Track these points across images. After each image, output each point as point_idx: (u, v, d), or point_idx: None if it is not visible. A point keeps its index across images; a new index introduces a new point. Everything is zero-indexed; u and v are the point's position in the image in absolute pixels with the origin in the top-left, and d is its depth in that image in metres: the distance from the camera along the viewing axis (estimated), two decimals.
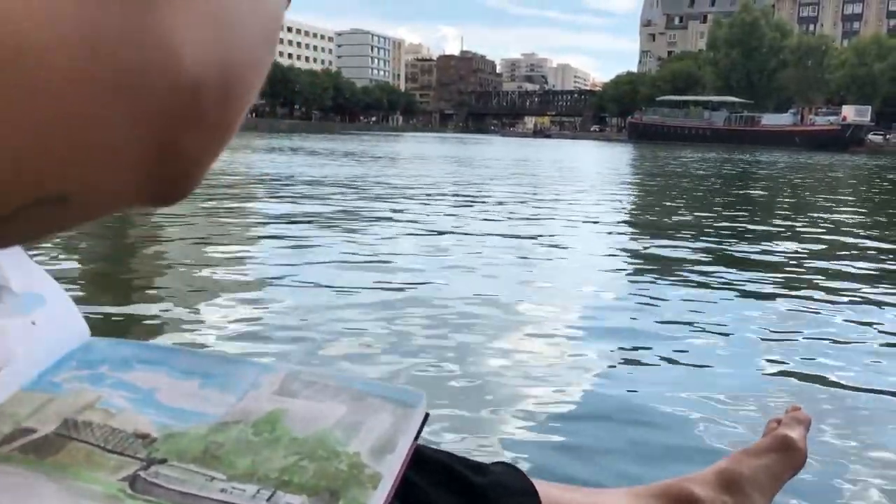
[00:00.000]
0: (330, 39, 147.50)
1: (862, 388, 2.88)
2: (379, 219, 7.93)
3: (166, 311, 3.80)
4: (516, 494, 0.81)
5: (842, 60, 77.82)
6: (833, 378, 2.99)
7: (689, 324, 3.79)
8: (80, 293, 4.05)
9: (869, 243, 7.18)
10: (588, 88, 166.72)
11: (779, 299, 4.44)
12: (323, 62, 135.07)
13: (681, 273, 5.19)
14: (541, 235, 7.10)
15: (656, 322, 3.80)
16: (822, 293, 4.64)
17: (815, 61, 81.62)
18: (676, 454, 2.24)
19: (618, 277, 5.14)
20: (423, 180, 14.44)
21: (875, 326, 3.86)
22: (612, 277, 5.13)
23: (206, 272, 4.83)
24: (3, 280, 0.60)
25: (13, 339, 0.58)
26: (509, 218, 8.41)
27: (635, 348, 3.34)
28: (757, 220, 9.25)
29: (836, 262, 5.91)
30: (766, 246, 6.72)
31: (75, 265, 5.07)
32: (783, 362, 3.18)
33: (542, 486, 0.85)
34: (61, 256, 5.22)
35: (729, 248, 6.54)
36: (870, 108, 67.75)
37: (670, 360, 3.17)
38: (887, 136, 70.60)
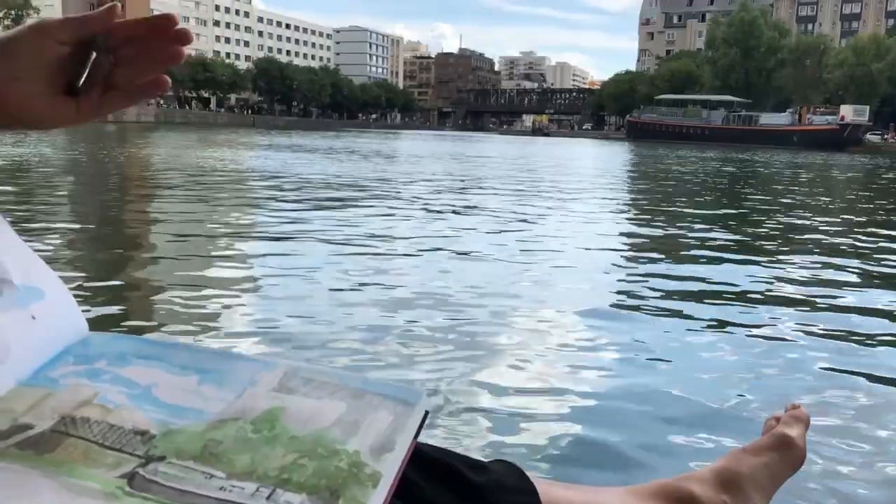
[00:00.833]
0: (328, 37, 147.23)
1: (862, 386, 2.88)
2: (378, 216, 7.92)
3: (164, 305, 3.80)
4: (516, 493, 0.81)
5: (840, 60, 77.78)
6: (833, 376, 3.00)
7: (688, 323, 3.80)
8: (78, 286, 4.04)
9: (866, 241, 7.19)
10: (586, 87, 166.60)
11: (778, 299, 4.44)
12: (321, 59, 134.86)
13: (680, 273, 5.20)
14: (541, 235, 7.10)
15: (655, 322, 3.81)
16: (822, 292, 4.65)
17: (814, 61, 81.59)
18: (675, 453, 2.25)
19: (616, 278, 5.14)
20: (422, 177, 14.42)
21: (875, 323, 3.86)
22: (611, 278, 5.13)
23: (205, 268, 4.83)
24: (3, 272, 0.60)
25: (11, 334, 0.58)
26: (510, 216, 8.41)
27: (634, 348, 3.34)
28: (755, 219, 9.26)
29: (834, 261, 5.91)
30: (764, 245, 6.72)
31: (73, 259, 5.06)
32: (782, 361, 3.18)
33: (541, 485, 0.85)
34: (61, 250, 5.22)
35: (728, 247, 6.54)
36: (868, 107, 67.75)
37: (669, 361, 3.17)
38: (885, 136, 70.64)
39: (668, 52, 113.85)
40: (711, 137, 69.59)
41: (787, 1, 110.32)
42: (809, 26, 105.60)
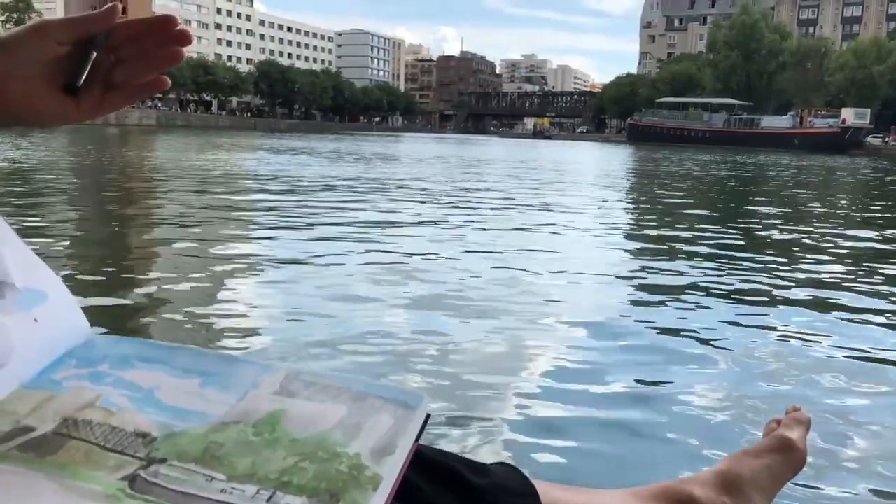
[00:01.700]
0: (329, 39, 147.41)
1: (862, 390, 2.89)
2: (380, 219, 7.94)
3: (166, 307, 3.81)
4: (517, 495, 0.81)
5: (841, 63, 77.81)
6: (836, 378, 3.00)
7: (690, 325, 3.80)
8: (81, 289, 4.05)
9: (868, 245, 7.19)
10: (588, 90, 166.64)
11: (778, 302, 4.45)
12: (322, 62, 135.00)
13: (681, 275, 5.20)
14: (543, 239, 7.10)
15: (656, 324, 3.81)
16: (824, 296, 4.65)
17: (815, 64, 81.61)
18: (676, 455, 2.25)
19: (617, 281, 5.14)
20: (424, 180, 14.43)
21: (874, 328, 3.87)
22: (612, 281, 5.13)
23: (207, 271, 4.84)
24: (5, 275, 0.60)
25: (14, 336, 0.58)
26: (513, 218, 8.42)
27: (635, 350, 3.35)
28: (757, 222, 9.25)
29: (835, 265, 5.92)
30: (765, 248, 6.73)
31: (76, 261, 5.08)
32: (783, 363, 3.19)
33: (542, 487, 0.85)
34: (63, 252, 5.23)
35: (729, 251, 6.54)
36: (869, 110, 67.77)
37: (670, 362, 3.17)
38: (886, 139, 70.61)
39: (669, 54, 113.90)
40: (713, 140, 69.61)
41: (789, 4, 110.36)
42: (811, 29, 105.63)
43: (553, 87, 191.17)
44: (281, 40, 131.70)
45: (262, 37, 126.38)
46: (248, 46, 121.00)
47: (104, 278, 4.56)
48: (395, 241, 6.41)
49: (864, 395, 2.84)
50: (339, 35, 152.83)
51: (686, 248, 6.57)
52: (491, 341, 3.38)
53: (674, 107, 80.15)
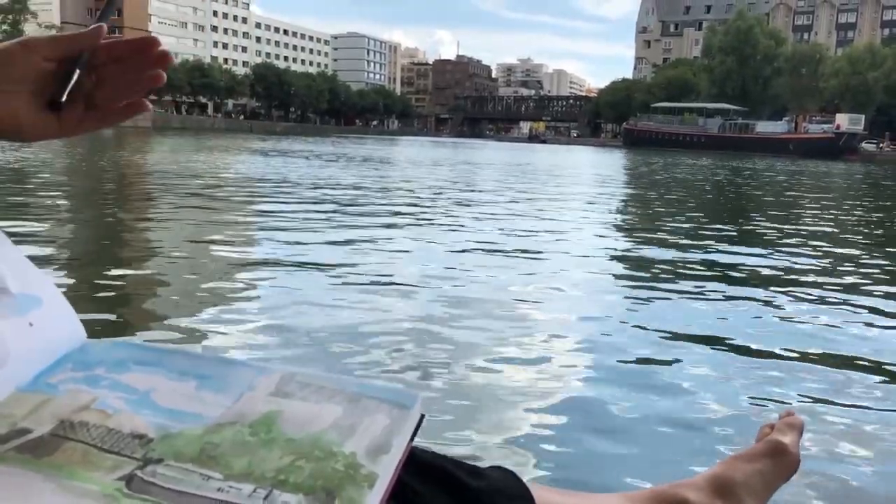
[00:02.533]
0: (326, 42, 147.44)
1: (855, 393, 2.90)
2: (377, 222, 7.93)
3: (162, 311, 3.80)
4: (512, 498, 0.81)
5: (836, 69, 78.09)
6: (830, 384, 3.01)
7: (683, 330, 3.81)
8: (75, 294, 4.04)
9: (861, 249, 7.21)
10: (583, 94, 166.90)
11: (771, 306, 4.46)
12: (319, 65, 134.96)
13: (674, 279, 5.21)
14: (540, 241, 7.11)
15: (650, 329, 3.81)
16: (815, 298, 4.67)
17: (810, 70, 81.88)
18: (670, 459, 2.26)
19: (612, 286, 5.15)
20: (421, 183, 14.43)
21: (868, 329, 3.88)
22: (607, 286, 5.14)
23: (203, 274, 4.83)
24: (0, 280, 0.61)
25: (9, 341, 0.58)
26: (509, 222, 8.42)
27: (629, 354, 3.35)
28: (750, 226, 9.28)
29: (827, 267, 5.94)
30: (758, 251, 6.74)
31: (71, 267, 5.07)
32: (776, 368, 3.20)
33: (537, 490, 0.85)
34: (56, 256, 5.22)
35: (723, 254, 6.55)
36: (863, 117, 68.01)
37: (665, 368, 3.18)
38: (880, 145, 70.87)
39: (664, 59, 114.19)
40: (708, 145, 69.83)
41: (784, 10, 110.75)
42: (805, 35, 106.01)
43: (549, 92, 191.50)
44: (277, 43, 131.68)
45: (258, 39, 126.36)
46: (244, 49, 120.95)
47: (99, 283, 4.54)
48: (391, 241, 6.41)
49: (857, 399, 2.85)
50: (336, 38, 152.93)
51: (681, 253, 6.59)
52: (486, 342, 3.38)
53: (669, 111, 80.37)
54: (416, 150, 40.89)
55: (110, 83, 0.68)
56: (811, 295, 4.84)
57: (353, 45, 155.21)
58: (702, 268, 5.75)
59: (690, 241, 7.41)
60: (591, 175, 22.61)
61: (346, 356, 3.13)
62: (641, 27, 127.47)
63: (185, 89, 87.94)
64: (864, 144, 67.89)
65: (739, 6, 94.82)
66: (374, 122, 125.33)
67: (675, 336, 3.67)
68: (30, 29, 68.52)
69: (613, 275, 5.46)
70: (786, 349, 3.51)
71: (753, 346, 3.53)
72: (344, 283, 4.64)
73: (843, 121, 66.58)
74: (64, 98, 0.65)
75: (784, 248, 7.13)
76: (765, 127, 72.85)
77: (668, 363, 3.22)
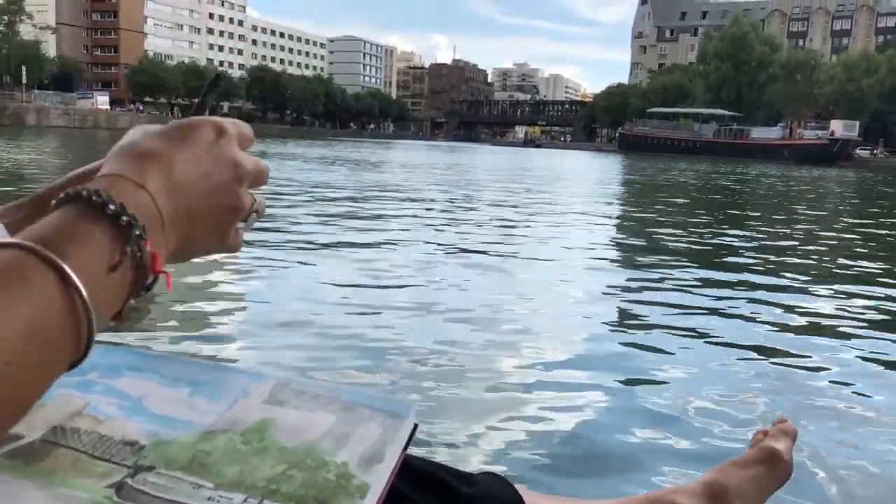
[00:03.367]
0: (322, 46, 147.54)
1: (849, 399, 2.90)
2: (372, 226, 7.93)
3: (156, 316, 3.79)
4: None
5: (830, 76, 78.40)
6: (823, 390, 3.01)
7: (678, 337, 3.81)
8: None
9: (855, 254, 7.23)
10: (579, 99, 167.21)
11: (770, 313, 4.46)
12: (315, 68, 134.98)
13: (673, 287, 5.21)
14: (536, 248, 7.11)
15: (646, 336, 3.81)
16: (810, 303, 4.67)
17: (804, 76, 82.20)
18: (664, 466, 2.25)
19: (604, 291, 5.15)
20: (416, 187, 14.43)
21: (862, 335, 3.88)
22: (600, 291, 5.14)
23: (198, 278, 4.82)
24: None
25: None
26: (504, 227, 8.42)
27: (621, 361, 3.35)
28: (744, 231, 9.29)
29: (821, 271, 5.95)
30: (752, 256, 6.75)
31: None
32: (771, 375, 3.20)
33: (529, 497, 0.85)
34: None
35: (716, 259, 6.56)
36: (857, 123, 68.27)
37: (659, 374, 3.18)
38: (874, 151, 71.15)
39: (660, 65, 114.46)
40: (703, 150, 69.99)
41: (779, 16, 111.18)
42: (800, 41, 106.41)
43: (545, 96, 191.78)
44: (273, 46, 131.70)
45: (254, 42, 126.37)
46: (240, 52, 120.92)
47: None
48: (387, 251, 6.40)
49: (852, 404, 2.85)
50: (332, 41, 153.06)
51: (675, 258, 6.59)
52: (480, 351, 3.38)
53: (664, 117, 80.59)
54: (410, 154, 40.89)
55: None
56: (806, 300, 4.85)
57: (349, 48, 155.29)
58: (695, 272, 5.76)
59: (686, 248, 7.42)
60: (586, 180, 22.64)
61: (338, 363, 3.12)
62: (637, 32, 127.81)
63: (181, 91, 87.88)
64: (858, 151, 68.13)
65: (735, 12, 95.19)
66: (372, 126, 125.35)
67: (670, 342, 3.67)
68: (25, 30, 68.36)
69: (606, 280, 5.45)
70: (780, 355, 3.51)
71: (747, 353, 3.53)
72: (338, 289, 4.63)
73: (837, 127, 66.81)
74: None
75: (778, 252, 7.14)
76: (759, 133, 73.11)
77: (662, 369, 3.22)
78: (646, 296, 4.83)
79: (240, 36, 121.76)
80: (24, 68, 64.49)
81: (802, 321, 4.26)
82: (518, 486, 0.83)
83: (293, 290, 4.51)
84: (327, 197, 11.41)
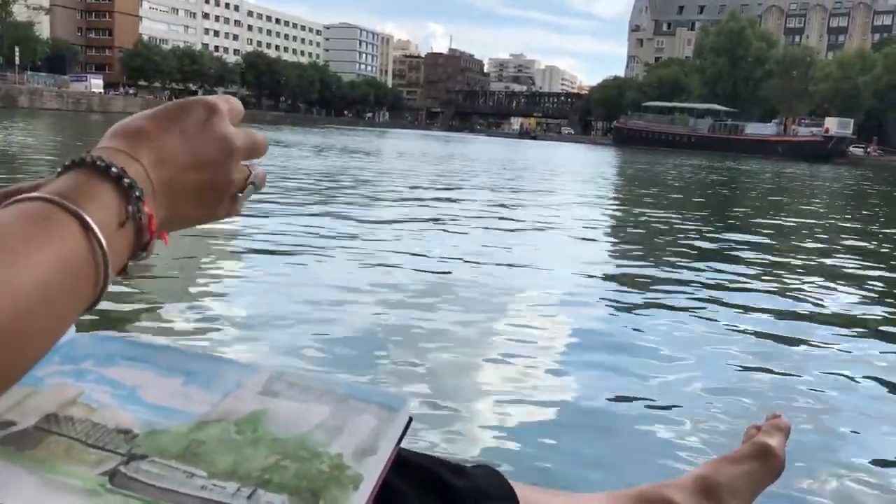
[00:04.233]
0: (318, 33, 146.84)
1: (842, 394, 2.91)
2: (367, 215, 7.91)
3: (151, 307, 3.77)
4: (496, 498, 0.82)
5: (826, 73, 78.49)
6: (813, 385, 3.02)
7: (673, 330, 3.81)
8: None
9: (847, 249, 7.25)
10: (575, 91, 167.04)
11: (760, 307, 4.46)
12: (310, 55, 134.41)
13: (668, 279, 5.22)
14: (531, 238, 7.10)
15: (639, 328, 3.82)
16: (802, 297, 4.68)
17: (800, 73, 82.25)
18: (657, 459, 2.25)
19: (599, 284, 5.15)
20: (411, 177, 14.41)
21: (855, 331, 3.89)
22: (594, 284, 5.14)
23: (193, 269, 4.80)
24: None
25: None
26: (499, 218, 8.41)
27: (617, 353, 3.35)
28: (737, 224, 9.31)
29: (812, 266, 5.96)
30: (744, 251, 6.76)
31: None
32: (763, 370, 3.20)
33: (522, 490, 0.86)
34: None
35: (709, 254, 6.57)
36: (852, 121, 68.41)
37: (651, 367, 3.18)
38: (868, 149, 71.34)
39: (657, 59, 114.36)
40: (697, 145, 70.06)
41: (776, 12, 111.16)
42: (797, 38, 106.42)
43: (540, 88, 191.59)
44: (269, 32, 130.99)
45: (249, 28, 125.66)
46: (235, 37, 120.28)
47: None
48: (380, 238, 6.39)
49: (844, 400, 2.86)
50: (328, 28, 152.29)
51: (667, 251, 6.59)
52: (474, 343, 3.37)
53: (660, 111, 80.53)
54: (406, 143, 40.79)
55: None
56: (801, 294, 4.86)
57: (345, 35, 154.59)
58: (688, 266, 5.76)
59: (679, 242, 7.43)
60: (583, 173, 22.63)
61: (333, 355, 3.11)
62: (634, 25, 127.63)
63: (175, 76, 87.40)
64: (852, 148, 68.31)
65: (732, 7, 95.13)
66: (369, 115, 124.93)
67: (663, 336, 3.67)
68: (18, 10, 67.78)
69: (600, 273, 5.46)
70: (774, 352, 3.52)
71: (741, 348, 3.54)
72: (337, 280, 4.62)
73: (832, 124, 66.98)
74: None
75: (771, 248, 7.16)
76: (754, 129, 73.16)
77: (655, 364, 3.22)
78: (641, 289, 4.83)
79: (235, 21, 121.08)
80: (16, 49, 63.95)
81: (796, 317, 4.27)
82: (512, 480, 0.84)
83: (288, 283, 4.50)
84: (323, 184, 11.38)
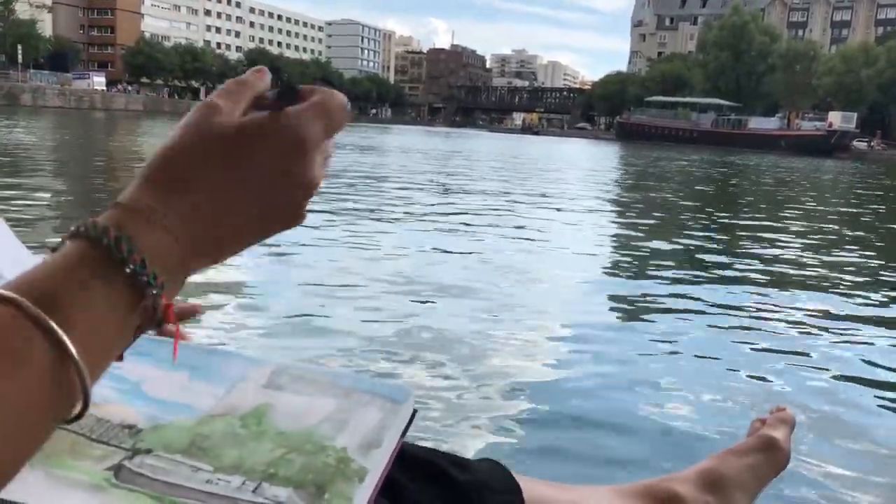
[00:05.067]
0: (320, 29, 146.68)
1: (847, 388, 2.91)
2: (371, 211, 7.91)
3: None
4: (500, 492, 0.82)
5: (829, 67, 78.21)
6: (816, 379, 3.02)
7: (677, 325, 3.81)
8: None
9: (851, 246, 7.24)
10: (577, 87, 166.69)
11: (765, 301, 4.47)
12: (312, 52, 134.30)
13: (673, 276, 5.22)
14: (536, 237, 7.10)
15: (643, 322, 3.82)
16: (805, 294, 4.68)
17: (803, 67, 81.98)
18: (661, 452, 2.25)
19: (605, 279, 5.15)
20: (415, 173, 14.40)
21: (857, 326, 3.89)
22: (597, 275, 5.14)
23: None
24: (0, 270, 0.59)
25: None
26: (504, 215, 8.41)
27: (621, 346, 3.35)
28: (739, 220, 9.29)
29: (816, 263, 5.95)
30: (748, 246, 6.75)
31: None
32: (769, 363, 3.20)
33: (526, 483, 0.86)
34: (43, 238, 5.17)
35: (712, 250, 6.56)
36: (855, 115, 68.20)
37: (656, 361, 3.18)
38: (871, 143, 71.12)
39: (659, 53, 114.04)
40: (700, 140, 69.89)
41: (779, 6, 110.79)
42: (800, 32, 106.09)
43: (543, 83, 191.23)
44: (271, 28, 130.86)
45: (251, 24, 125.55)
46: (237, 34, 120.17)
47: None
48: (383, 232, 6.39)
49: (847, 392, 2.86)
50: (330, 25, 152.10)
51: (671, 248, 6.59)
52: (479, 338, 3.38)
53: (663, 106, 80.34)
54: (409, 139, 40.75)
55: None
56: (805, 292, 4.86)
57: (347, 32, 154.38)
58: (692, 260, 5.76)
59: (684, 237, 7.42)
60: (585, 169, 22.61)
61: (338, 348, 3.11)
62: (637, 20, 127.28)
63: (177, 73, 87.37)
64: (855, 142, 68.09)
65: (735, 1, 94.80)
66: (374, 111, 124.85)
67: (666, 332, 3.67)
68: (21, 9, 67.82)
69: (606, 268, 5.46)
70: (783, 345, 3.51)
71: (745, 341, 3.54)
72: (340, 273, 4.62)
73: (835, 118, 66.79)
74: None
75: (775, 243, 7.15)
76: (757, 123, 73.00)
77: (661, 357, 3.22)
78: (645, 284, 4.83)
79: (237, 18, 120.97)
80: (19, 47, 63.98)
81: (802, 311, 4.27)
82: (515, 473, 0.84)
83: (291, 278, 4.50)
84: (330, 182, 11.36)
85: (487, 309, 3.90)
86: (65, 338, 0.35)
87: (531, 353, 3.19)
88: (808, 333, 3.76)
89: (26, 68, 65.72)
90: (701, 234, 7.74)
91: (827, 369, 3.17)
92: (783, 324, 3.95)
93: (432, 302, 3.96)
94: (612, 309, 4.14)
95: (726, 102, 76.49)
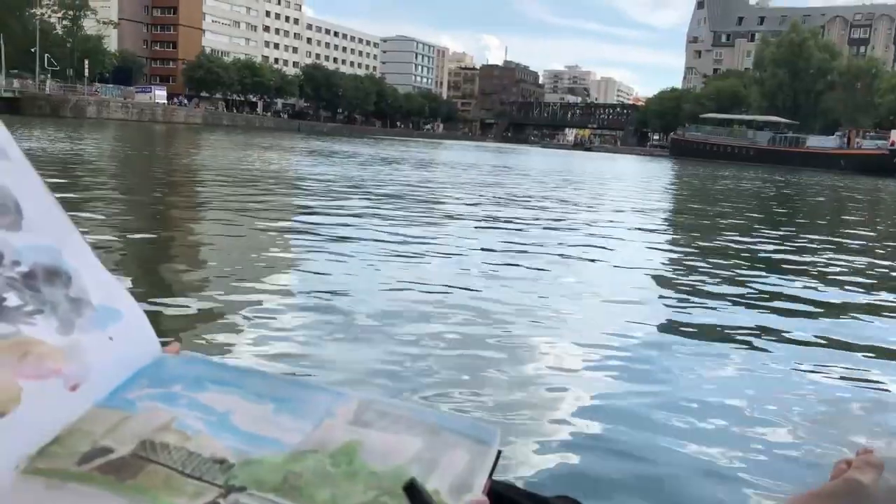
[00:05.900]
0: (375, 45, 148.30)
1: None
2: (424, 236, 7.99)
3: (220, 322, 3.90)
4: None
5: (892, 84, 76.21)
6: (892, 411, 2.98)
7: (735, 349, 3.79)
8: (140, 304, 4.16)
9: None
10: (631, 103, 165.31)
11: (842, 329, 4.38)
12: (367, 67, 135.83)
13: (725, 294, 5.18)
14: (580, 254, 7.10)
15: (682, 356, 3.78)
16: (876, 321, 4.60)
17: (864, 84, 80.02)
18: (729, 490, 2.26)
19: (655, 298, 5.14)
20: (467, 187, 14.46)
21: None
22: (650, 297, 5.13)
23: (260, 285, 4.93)
24: (83, 292, 0.61)
25: (90, 355, 0.58)
26: (550, 231, 8.42)
27: (681, 376, 3.35)
28: (796, 241, 9.14)
29: (874, 281, 5.84)
30: (808, 268, 6.65)
31: (123, 264, 5.20)
32: (845, 398, 3.16)
33: None
34: (108, 254, 5.35)
35: (760, 276, 6.48)
36: None
37: (712, 387, 3.17)
38: None
39: (715, 70, 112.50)
40: (756, 158, 68.67)
41: (840, 23, 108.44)
42: (862, 49, 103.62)
43: (596, 99, 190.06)
44: (327, 45, 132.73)
45: (308, 41, 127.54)
46: (294, 50, 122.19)
47: (158, 291, 4.66)
48: (438, 254, 6.46)
49: None
50: (385, 41, 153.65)
51: (716, 277, 6.52)
52: (535, 361, 3.42)
53: (718, 123, 79.17)
54: (461, 154, 40.88)
55: None
56: (883, 319, 4.77)
57: (401, 48, 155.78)
58: (757, 283, 5.70)
59: (735, 264, 7.33)
60: (641, 186, 22.40)
61: (404, 377, 3.18)
62: (692, 37, 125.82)
63: (236, 87, 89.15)
64: None
65: (794, 18, 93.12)
66: (428, 126, 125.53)
67: (730, 354, 3.65)
68: (88, 25, 70.08)
69: (655, 288, 5.44)
70: (857, 377, 3.47)
71: (819, 371, 3.50)
72: (401, 298, 4.70)
73: None
74: None
75: (837, 263, 7.03)
76: (816, 141, 71.42)
77: (715, 383, 3.22)
78: (702, 306, 4.80)
79: (295, 34, 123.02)
80: (86, 62, 66.16)
81: (885, 342, 4.18)
82: None
83: (348, 300, 4.59)
84: (379, 195, 11.49)
85: (546, 329, 3.93)
86: None
87: (573, 390, 3.20)
88: (875, 361, 3.69)
89: (92, 82, 67.88)
90: (758, 256, 7.64)
91: None
92: (845, 351, 3.89)
93: (482, 319, 4.00)
94: (667, 334, 4.12)
95: (784, 120, 75.04)
